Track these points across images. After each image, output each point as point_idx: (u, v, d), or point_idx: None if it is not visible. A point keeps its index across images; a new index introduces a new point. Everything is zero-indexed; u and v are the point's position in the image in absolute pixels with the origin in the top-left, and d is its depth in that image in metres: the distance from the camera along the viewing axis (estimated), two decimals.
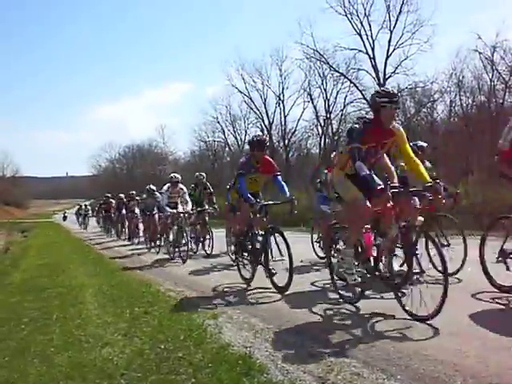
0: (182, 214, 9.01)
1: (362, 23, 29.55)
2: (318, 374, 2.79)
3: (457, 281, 4.92)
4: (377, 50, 29.63)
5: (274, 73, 37.67)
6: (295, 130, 36.28)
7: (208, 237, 9.57)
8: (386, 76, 29.55)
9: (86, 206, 28.40)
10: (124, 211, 15.64)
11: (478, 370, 2.64)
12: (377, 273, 4.10)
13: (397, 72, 29.31)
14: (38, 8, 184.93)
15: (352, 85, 31.70)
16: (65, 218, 47.65)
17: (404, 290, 3.74)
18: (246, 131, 39.59)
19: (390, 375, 2.68)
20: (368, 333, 3.49)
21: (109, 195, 19.48)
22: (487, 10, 45.96)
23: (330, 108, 33.58)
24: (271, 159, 5.80)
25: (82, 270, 8.37)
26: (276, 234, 5.20)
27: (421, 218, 5.09)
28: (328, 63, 31.67)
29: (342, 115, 33.47)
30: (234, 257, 6.86)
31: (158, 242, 10.77)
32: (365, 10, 29.30)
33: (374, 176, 3.90)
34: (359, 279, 4.16)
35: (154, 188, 11.75)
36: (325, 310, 4.28)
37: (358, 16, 29.57)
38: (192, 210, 9.25)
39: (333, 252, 4.81)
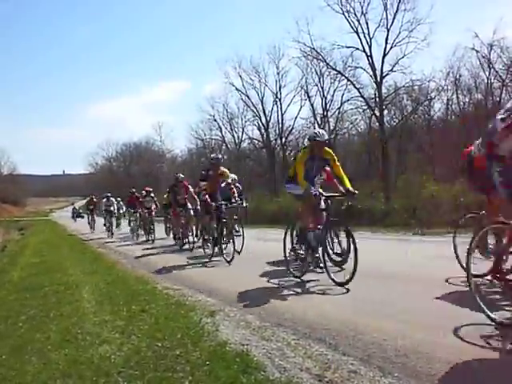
0: None
1: (359, 21, 29.34)
2: (315, 371, 2.79)
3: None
4: (374, 48, 29.40)
5: (271, 71, 37.68)
6: (292, 128, 36.20)
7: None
8: (383, 74, 29.38)
9: (108, 198, 18.35)
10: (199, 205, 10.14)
11: (476, 368, 2.65)
12: None
13: (394, 70, 29.14)
14: (39, 13, 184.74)
15: (349, 83, 31.52)
16: (75, 215, 40.14)
17: None
18: (243, 129, 39.55)
19: (388, 373, 2.69)
20: (365, 331, 3.49)
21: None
22: (484, 8, 46.03)
23: (327, 106, 33.45)
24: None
25: (79, 267, 8.35)
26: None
27: None
28: (325, 61, 31.49)
29: (339, 113, 33.44)
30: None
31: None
32: (362, 8, 29.01)
33: None
34: None
35: None
36: (322, 308, 4.28)
37: (355, 14, 29.33)
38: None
39: None
